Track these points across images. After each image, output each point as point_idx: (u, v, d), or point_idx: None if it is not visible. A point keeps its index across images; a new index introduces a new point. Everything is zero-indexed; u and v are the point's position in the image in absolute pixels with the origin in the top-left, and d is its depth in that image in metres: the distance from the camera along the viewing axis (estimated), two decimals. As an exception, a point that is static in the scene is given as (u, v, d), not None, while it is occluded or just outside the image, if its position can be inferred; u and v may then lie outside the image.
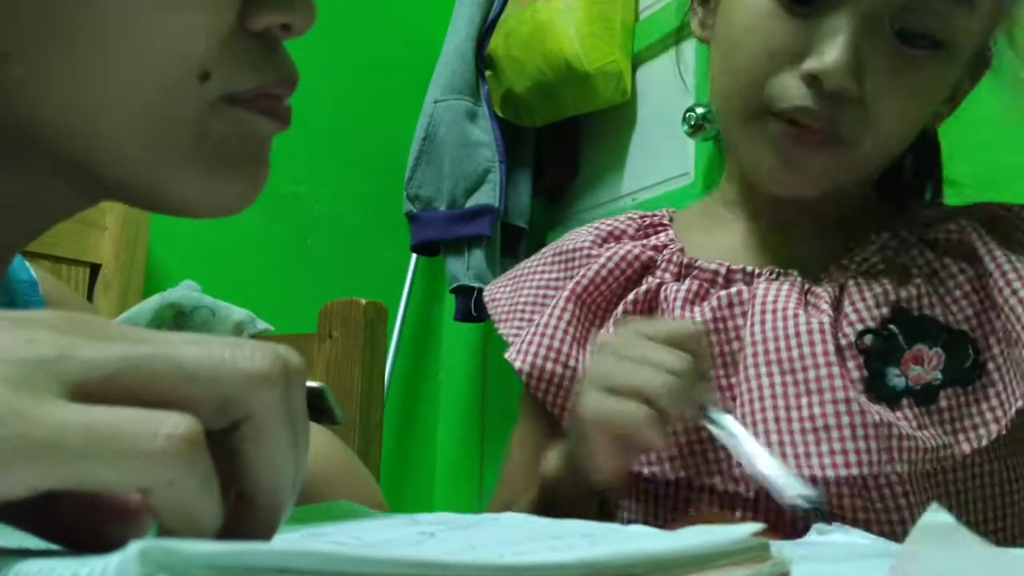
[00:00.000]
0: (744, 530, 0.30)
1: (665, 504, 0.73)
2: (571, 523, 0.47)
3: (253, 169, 0.55)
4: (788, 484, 0.59)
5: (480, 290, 2.18)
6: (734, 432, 0.61)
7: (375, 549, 0.25)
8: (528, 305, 0.80)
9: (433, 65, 2.30)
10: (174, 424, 0.27)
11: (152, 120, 0.51)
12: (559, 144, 2.31)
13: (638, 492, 0.75)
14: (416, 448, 2.40)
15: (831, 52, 0.65)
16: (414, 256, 2.31)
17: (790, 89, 0.67)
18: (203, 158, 0.52)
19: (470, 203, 2.21)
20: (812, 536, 0.57)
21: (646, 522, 0.73)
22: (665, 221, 0.82)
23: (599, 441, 0.64)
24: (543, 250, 0.85)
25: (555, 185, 2.37)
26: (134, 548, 0.23)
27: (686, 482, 0.72)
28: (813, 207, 0.75)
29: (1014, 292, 0.66)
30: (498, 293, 0.83)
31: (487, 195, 2.21)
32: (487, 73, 2.27)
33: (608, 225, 0.82)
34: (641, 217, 0.82)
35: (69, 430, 0.26)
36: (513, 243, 2.30)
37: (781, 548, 0.31)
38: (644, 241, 0.79)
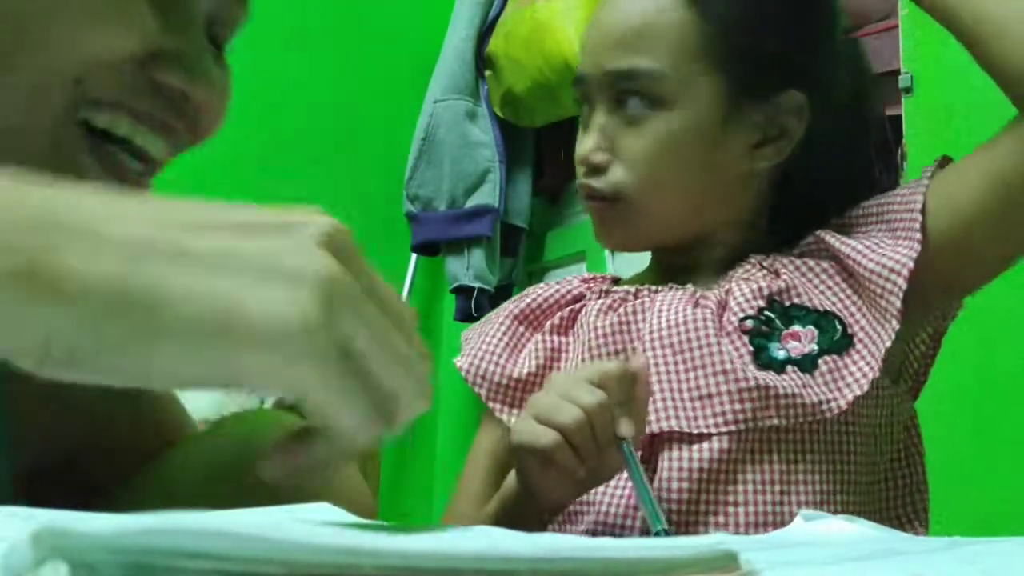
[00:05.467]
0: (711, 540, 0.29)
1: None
2: (543, 536, 0.46)
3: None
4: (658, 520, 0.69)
5: (480, 290, 2.18)
6: (637, 467, 0.71)
7: (297, 532, 0.23)
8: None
9: (433, 65, 2.30)
10: None
11: (17, 102, 0.52)
12: (559, 144, 2.31)
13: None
14: (416, 448, 2.40)
15: (581, 143, 0.88)
16: (414, 256, 2.31)
17: (581, 174, 0.89)
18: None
19: (470, 203, 2.21)
20: (798, 522, 0.59)
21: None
22: (608, 277, 0.98)
23: (526, 463, 0.74)
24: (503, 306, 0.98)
25: (555, 185, 2.37)
26: (27, 531, 0.21)
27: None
28: (689, 251, 0.90)
29: (870, 264, 0.81)
30: (470, 333, 0.96)
31: (487, 195, 2.21)
32: (487, 73, 2.27)
33: (555, 282, 0.97)
34: (593, 277, 0.98)
35: None
36: (513, 243, 2.30)
37: (751, 560, 0.31)
38: (581, 280, 0.95)
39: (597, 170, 0.87)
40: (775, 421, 0.78)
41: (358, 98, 2.37)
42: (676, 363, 0.81)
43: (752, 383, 0.78)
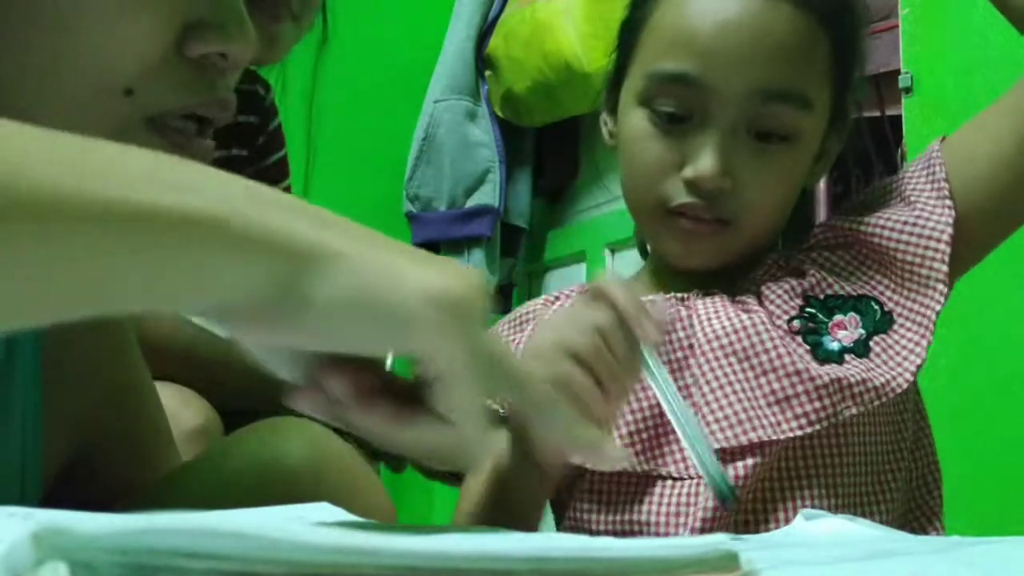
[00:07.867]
0: (712, 540, 0.29)
1: (623, 498, 0.81)
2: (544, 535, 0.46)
3: None
4: (711, 462, 0.67)
5: (480, 290, 2.18)
6: (664, 382, 0.68)
7: (297, 532, 0.23)
8: None
9: (433, 65, 2.29)
10: None
11: (77, 120, 0.54)
12: (559, 144, 2.31)
13: (593, 488, 0.82)
14: (416, 448, 2.40)
15: (704, 161, 0.81)
16: (414, 256, 2.30)
17: (677, 191, 0.83)
18: None
19: (470, 203, 2.21)
20: (798, 521, 0.59)
21: (602, 517, 0.81)
22: None
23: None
24: (500, 322, 0.93)
25: (555, 185, 2.37)
26: (27, 531, 0.21)
27: (643, 474, 0.81)
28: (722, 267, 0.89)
29: (901, 236, 0.83)
30: None
31: (487, 195, 2.21)
32: (487, 73, 2.26)
33: (555, 293, 0.94)
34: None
35: None
36: (513, 243, 2.30)
37: (752, 560, 0.31)
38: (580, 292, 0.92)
39: (715, 193, 0.81)
40: (853, 410, 0.79)
41: (358, 98, 2.37)
42: (744, 370, 0.80)
43: (827, 378, 0.79)
